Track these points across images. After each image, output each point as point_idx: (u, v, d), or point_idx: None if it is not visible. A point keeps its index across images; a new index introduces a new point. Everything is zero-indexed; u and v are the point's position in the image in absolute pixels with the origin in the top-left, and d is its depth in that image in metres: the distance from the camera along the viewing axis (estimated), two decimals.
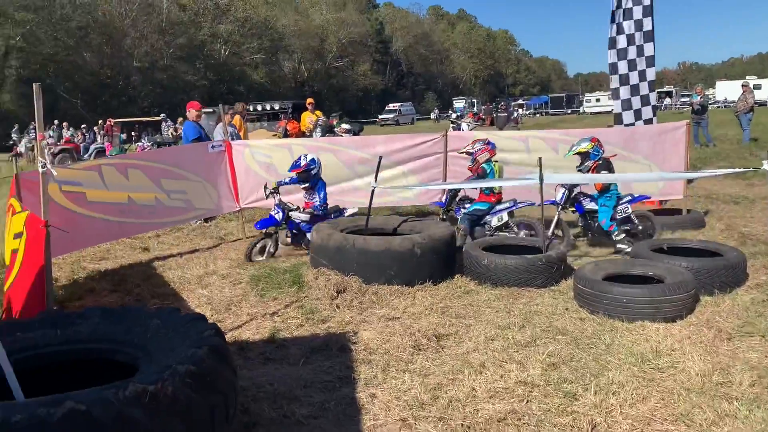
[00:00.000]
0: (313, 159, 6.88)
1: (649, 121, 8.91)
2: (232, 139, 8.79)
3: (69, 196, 5.97)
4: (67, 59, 45.51)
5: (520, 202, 7.00)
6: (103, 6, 49.07)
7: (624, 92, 8.94)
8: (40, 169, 4.43)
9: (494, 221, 6.88)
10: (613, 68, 8.94)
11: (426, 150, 7.97)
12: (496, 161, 7.10)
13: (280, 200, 6.90)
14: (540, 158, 5.80)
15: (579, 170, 6.73)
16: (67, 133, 26.44)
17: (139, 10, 51.45)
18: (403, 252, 5.43)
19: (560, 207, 6.76)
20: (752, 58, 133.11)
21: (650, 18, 8.79)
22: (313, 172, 6.87)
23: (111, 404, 2.04)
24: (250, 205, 8.15)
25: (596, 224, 6.70)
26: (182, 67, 53.13)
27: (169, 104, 44.29)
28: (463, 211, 7.09)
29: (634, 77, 8.92)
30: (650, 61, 8.90)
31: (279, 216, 6.76)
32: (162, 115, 28.22)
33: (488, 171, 6.94)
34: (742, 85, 20.48)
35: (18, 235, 4.63)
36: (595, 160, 6.61)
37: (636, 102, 8.94)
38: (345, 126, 14.33)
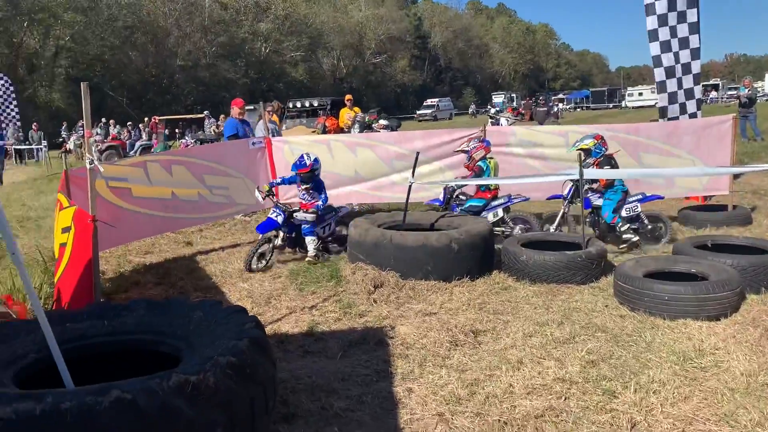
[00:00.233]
0: (316, 158, 6.72)
1: (693, 115, 8.69)
2: (273, 135, 8.90)
3: (115, 192, 6.15)
4: (113, 58, 46.60)
5: (515, 198, 7.11)
6: (147, 6, 50.12)
7: (669, 85, 8.74)
8: (88, 166, 4.57)
9: (490, 217, 6.90)
10: (657, 61, 8.74)
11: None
12: (492, 158, 7.20)
13: (277, 202, 6.70)
14: (580, 153, 5.74)
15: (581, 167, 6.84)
16: (113, 131, 27.15)
17: (182, 10, 52.31)
18: (440, 247, 5.43)
19: (567, 202, 6.85)
20: None
21: (695, 9, 8.56)
22: (316, 172, 6.71)
23: (155, 393, 2.10)
24: (289, 201, 8.24)
25: (602, 219, 6.70)
26: (224, 65, 53.83)
27: (212, 102, 45.01)
28: (459, 207, 7.14)
29: (678, 70, 8.70)
30: (695, 54, 8.67)
31: (280, 218, 6.42)
32: (205, 112, 28.67)
33: (485, 168, 7.06)
34: None
35: (66, 230, 4.79)
36: (596, 157, 6.66)
37: (681, 96, 8.73)
38: (383, 122, 14.33)
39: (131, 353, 2.99)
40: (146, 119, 28.87)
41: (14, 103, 26.01)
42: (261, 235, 6.46)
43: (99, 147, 21.54)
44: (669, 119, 8.58)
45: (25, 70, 42.66)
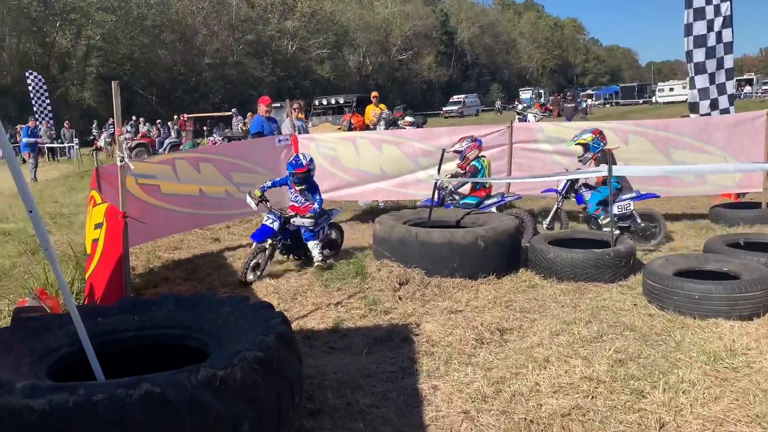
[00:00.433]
0: (311, 158, 6.40)
1: (725, 111, 8.53)
2: (299, 132, 8.95)
3: (145, 189, 6.25)
4: (142, 57, 47.33)
5: (508, 197, 7.18)
6: (176, 5, 50.76)
7: (700, 81, 8.59)
8: (119, 163, 4.66)
9: None
10: (689, 56, 8.60)
11: (490, 142, 7.89)
12: (484, 157, 7.23)
13: (271, 207, 6.25)
14: (610, 150, 5.67)
15: (579, 161, 6.89)
16: (143, 128, 27.61)
17: (210, 8, 52.89)
18: (466, 245, 5.41)
19: (561, 197, 6.88)
20: None
21: (729, 2, 8.39)
22: (312, 172, 6.35)
23: (184, 387, 2.13)
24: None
25: (586, 211, 6.71)
26: (251, 63, 54.29)
27: (239, 99, 45.42)
28: (453, 206, 7.12)
29: (711, 65, 8.54)
30: (728, 48, 8.51)
31: (275, 225, 6.01)
32: (233, 110, 28.97)
33: (479, 168, 7.09)
34: None
35: (98, 226, 4.89)
36: (594, 152, 6.69)
37: (713, 91, 8.57)
38: (409, 119, 14.33)
39: (160, 348, 3.04)
40: (175, 117, 29.30)
41: (47, 101, 26.60)
42: (255, 244, 6.05)
43: (129, 144, 21.91)
44: (701, 116, 8.43)
45: (57, 69, 43.58)
